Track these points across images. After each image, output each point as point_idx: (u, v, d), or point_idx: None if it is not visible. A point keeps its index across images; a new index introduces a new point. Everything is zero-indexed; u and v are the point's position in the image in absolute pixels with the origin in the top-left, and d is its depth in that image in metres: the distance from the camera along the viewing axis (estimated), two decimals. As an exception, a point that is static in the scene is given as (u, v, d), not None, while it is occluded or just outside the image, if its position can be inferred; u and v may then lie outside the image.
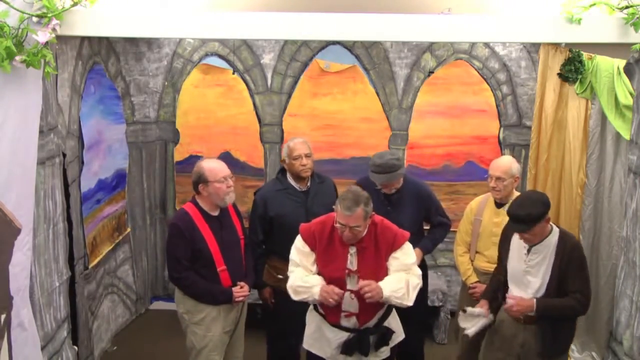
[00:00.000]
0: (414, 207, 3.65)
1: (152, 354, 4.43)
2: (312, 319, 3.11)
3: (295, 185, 3.64)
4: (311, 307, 3.12)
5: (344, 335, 2.97)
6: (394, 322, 3.10)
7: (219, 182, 3.21)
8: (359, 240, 2.91)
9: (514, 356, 3.13)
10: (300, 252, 3.01)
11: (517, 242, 3.10)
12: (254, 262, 3.55)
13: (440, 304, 4.66)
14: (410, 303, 2.88)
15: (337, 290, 2.86)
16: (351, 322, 2.96)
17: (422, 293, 3.89)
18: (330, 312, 2.97)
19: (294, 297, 2.94)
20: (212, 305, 3.25)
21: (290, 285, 2.95)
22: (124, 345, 4.58)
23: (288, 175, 3.67)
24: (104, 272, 4.43)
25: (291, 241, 3.28)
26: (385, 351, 3.05)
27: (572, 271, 2.94)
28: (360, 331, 2.97)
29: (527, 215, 2.85)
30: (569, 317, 3.05)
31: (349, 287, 2.92)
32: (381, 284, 2.84)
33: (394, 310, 3.09)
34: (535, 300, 2.96)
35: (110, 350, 4.47)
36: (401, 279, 2.88)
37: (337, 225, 2.87)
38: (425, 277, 3.85)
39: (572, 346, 4.35)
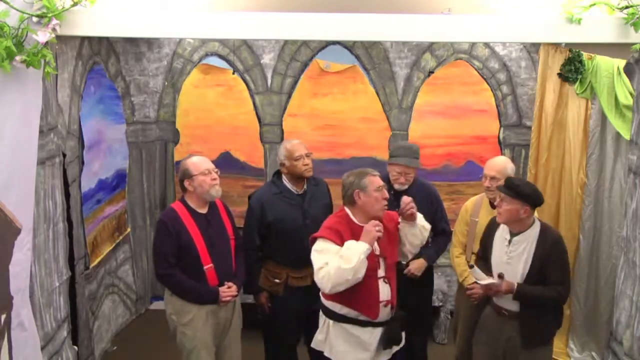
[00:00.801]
0: (423, 209, 3.61)
1: (152, 354, 4.42)
2: (339, 333, 2.99)
3: (291, 188, 3.60)
4: (331, 322, 3.00)
5: (378, 332, 2.97)
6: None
7: (203, 175, 3.21)
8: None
9: (501, 350, 3.16)
10: (329, 252, 2.85)
11: (500, 235, 3.18)
12: (250, 267, 3.50)
13: (440, 304, 4.66)
14: (429, 225, 3.17)
15: (375, 223, 2.88)
16: (386, 311, 2.96)
17: (428, 294, 3.90)
18: (370, 307, 2.93)
19: (359, 275, 2.76)
20: (199, 305, 3.22)
21: (344, 268, 2.73)
22: (124, 345, 4.58)
23: (284, 178, 3.62)
24: (105, 272, 4.44)
25: (288, 245, 3.23)
26: (403, 337, 3.08)
27: (553, 264, 3.03)
28: (389, 321, 2.99)
29: (517, 186, 3.02)
30: (548, 306, 3.09)
31: (380, 274, 2.96)
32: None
33: None
34: (516, 284, 3.02)
35: (111, 350, 4.46)
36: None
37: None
38: (430, 280, 3.87)
39: (572, 346, 4.35)
